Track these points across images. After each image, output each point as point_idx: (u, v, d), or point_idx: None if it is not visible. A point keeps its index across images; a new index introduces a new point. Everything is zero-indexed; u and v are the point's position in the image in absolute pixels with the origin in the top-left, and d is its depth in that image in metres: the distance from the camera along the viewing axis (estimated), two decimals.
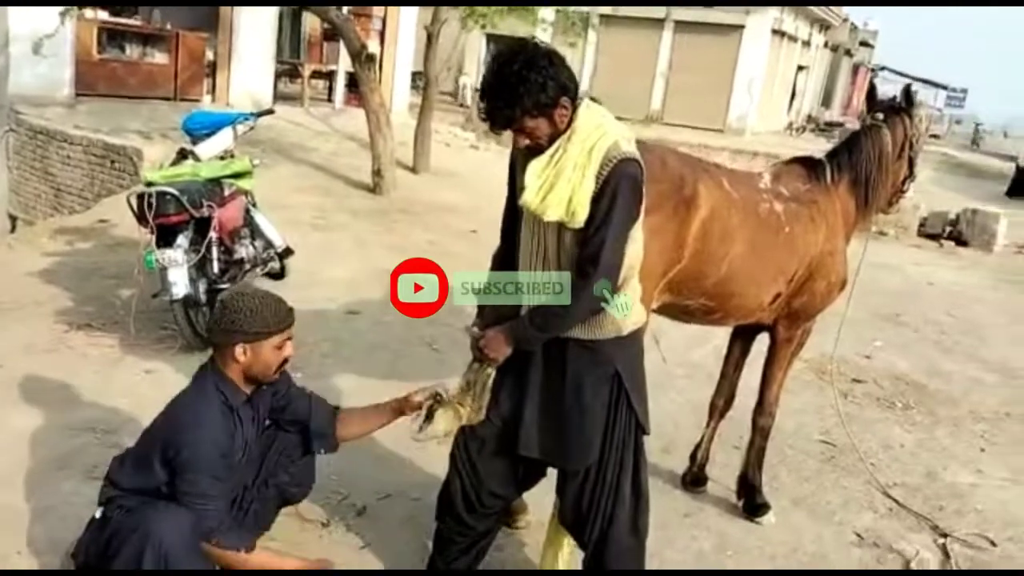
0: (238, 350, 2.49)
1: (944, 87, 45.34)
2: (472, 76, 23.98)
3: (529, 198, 2.30)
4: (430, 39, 11.02)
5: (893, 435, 4.89)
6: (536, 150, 2.32)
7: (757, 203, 3.24)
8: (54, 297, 5.27)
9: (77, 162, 9.45)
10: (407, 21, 15.92)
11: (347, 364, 4.80)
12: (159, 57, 12.61)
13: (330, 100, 15.36)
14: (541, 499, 3.06)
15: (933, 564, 3.55)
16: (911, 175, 3.87)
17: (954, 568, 3.52)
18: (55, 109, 10.35)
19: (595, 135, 2.28)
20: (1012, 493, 4.33)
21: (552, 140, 2.30)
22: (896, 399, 5.48)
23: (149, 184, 4.48)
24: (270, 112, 6.17)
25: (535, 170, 2.31)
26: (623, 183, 2.25)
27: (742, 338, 3.82)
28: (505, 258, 2.61)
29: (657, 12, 23.40)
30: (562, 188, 2.26)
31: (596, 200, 2.26)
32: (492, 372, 2.59)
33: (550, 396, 2.52)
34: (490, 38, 23.08)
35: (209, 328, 2.59)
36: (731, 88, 23.30)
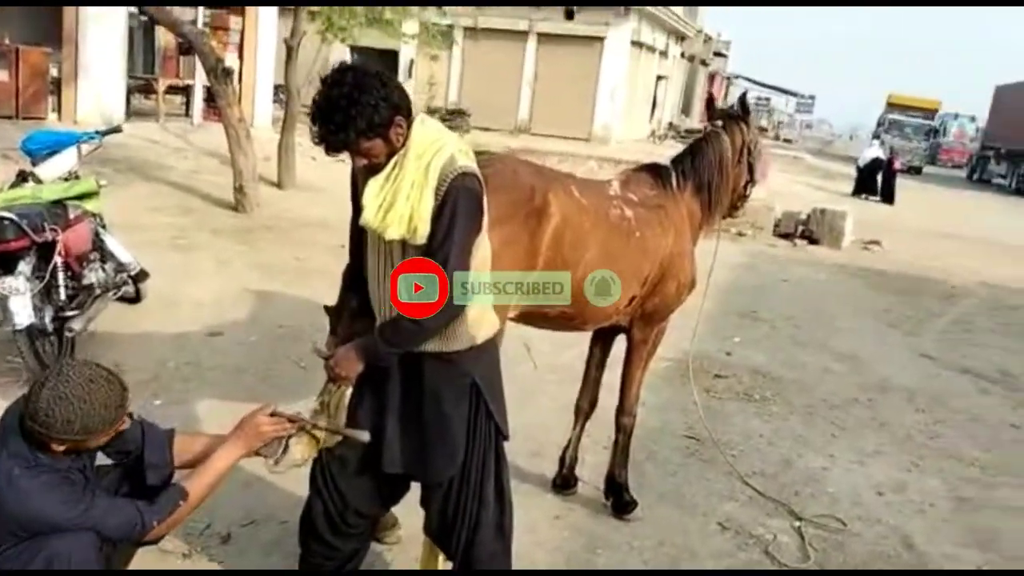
0: (55, 445, 2.20)
1: (794, 94, 48.17)
2: None
3: (369, 217, 2.29)
4: (290, 52, 10.81)
5: (752, 426, 5.14)
6: (375, 168, 2.31)
7: (607, 209, 3.34)
8: None
9: None
10: (267, 34, 15.57)
11: (209, 388, 4.63)
12: None
13: (188, 115, 14.81)
14: (412, 513, 3.04)
15: (790, 547, 3.74)
16: (751, 179, 4.08)
17: (808, 547, 3.72)
18: None
19: (431, 151, 2.29)
20: (859, 475, 4.62)
21: (390, 158, 2.30)
22: (755, 392, 5.75)
23: None
24: (117, 130, 5.87)
25: (373, 189, 2.30)
26: (462, 197, 2.27)
27: (602, 341, 3.92)
28: (355, 275, 2.60)
29: (520, 24, 23.82)
30: (401, 206, 2.26)
31: (437, 216, 2.26)
32: (347, 391, 2.56)
33: (410, 410, 2.51)
34: (354, 50, 22.83)
35: (24, 423, 2.16)
36: (595, 98, 23.94)
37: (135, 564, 2.80)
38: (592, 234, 3.20)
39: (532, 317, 3.32)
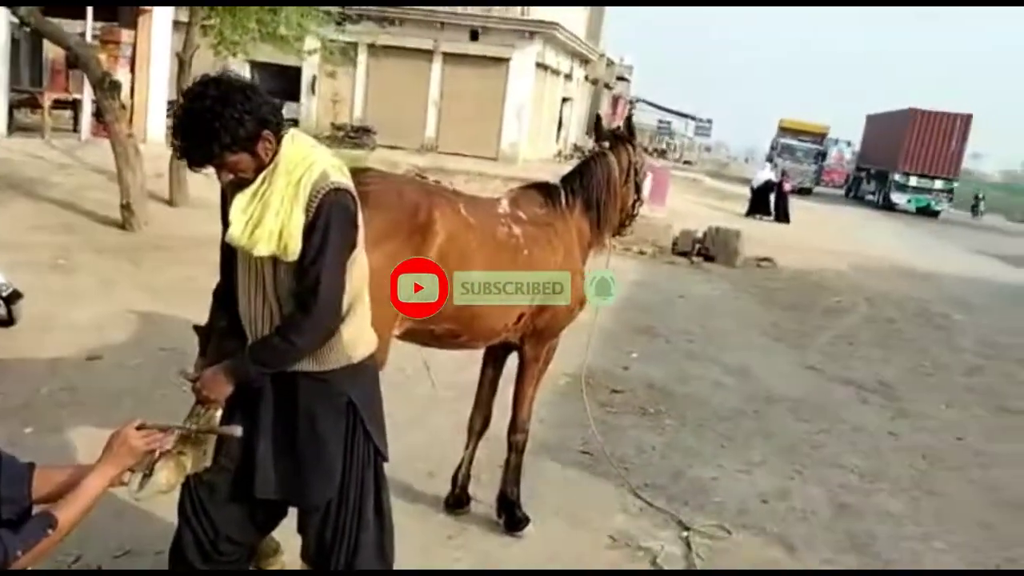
0: None
1: (693, 118, 49.70)
2: None
3: (236, 234, 2.23)
4: (182, 66, 10.51)
5: (646, 439, 5.22)
6: (243, 184, 2.25)
7: (495, 227, 3.36)
8: None
9: None
10: (160, 48, 15.11)
11: (86, 414, 4.41)
12: None
13: (76, 131, 14.22)
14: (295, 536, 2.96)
15: (678, 557, 3.81)
16: (639, 199, 4.17)
17: (695, 557, 3.79)
18: None
19: (302, 167, 2.25)
20: (746, 484, 4.76)
21: (258, 172, 2.25)
22: (649, 406, 5.86)
23: None
24: None
25: (240, 205, 2.24)
26: (335, 213, 2.23)
27: (494, 359, 3.92)
28: (225, 293, 2.52)
29: (425, 43, 23.84)
30: (270, 222, 2.21)
31: (308, 232, 2.22)
32: (217, 414, 2.47)
33: (284, 433, 2.44)
34: (254, 66, 22.38)
35: None
36: (502, 118, 24.13)
37: None
38: (478, 252, 3.21)
39: (418, 334, 3.29)
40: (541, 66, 25.11)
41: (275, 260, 2.27)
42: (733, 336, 8.37)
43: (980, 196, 19.19)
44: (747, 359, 7.45)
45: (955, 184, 32.49)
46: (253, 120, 2.17)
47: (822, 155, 39.77)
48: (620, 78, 40.38)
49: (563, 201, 3.74)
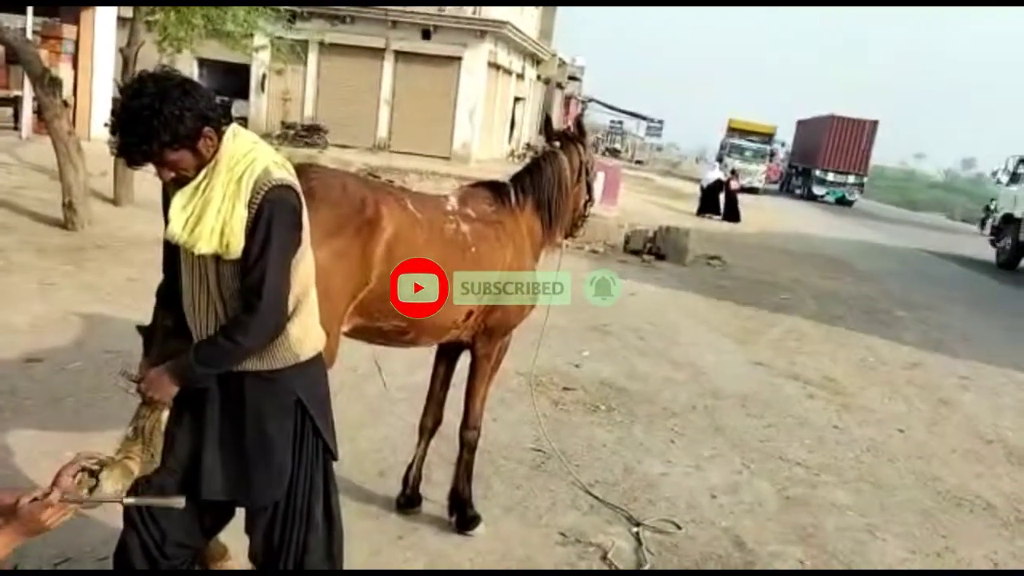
0: None
1: (644, 118, 50.19)
2: None
3: (176, 231, 2.19)
4: (127, 62, 10.29)
5: (597, 436, 5.26)
6: (183, 181, 2.21)
7: (443, 224, 3.35)
8: None
9: None
10: (104, 44, 14.80)
11: (25, 418, 4.29)
12: None
13: (16, 128, 13.83)
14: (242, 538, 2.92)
15: (627, 553, 3.84)
16: (590, 198, 4.19)
17: (645, 552, 3.83)
18: None
19: (244, 163, 2.22)
20: (696, 479, 4.82)
21: (200, 170, 2.21)
22: (600, 403, 5.90)
23: None
24: None
25: (180, 202, 2.20)
26: (278, 210, 2.21)
27: (446, 357, 3.91)
28: (169, 292, 2.47)
29: (377, 42, 23.65)
30: (211, 219, 2.17)
31: (251, 230, 2.19)
32: (164, 415, 2.43)
33: (231, 433, 2.40)
34: (202, 63, 22.03)
35: None
36: (454, 117, 24.08)
37: None
38: (426, 248, 3.19)
39: (367, 332, 3.26)
40: (493, 65, 25.13)
41: (218, 258, 2.23)
42: (683, 333, 8.47)
43: (992, 208, 19.35)
44: (697, 355, 7.54)
45: (864, 179, 38.54)
46: (193, 116, 2.13)
47: (770, 155, 40.87)
48: (572, 78, 40.61)
49: (513, 199, 3.74)
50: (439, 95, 23.83)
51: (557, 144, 4.03)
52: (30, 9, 13.59)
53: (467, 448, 3.82)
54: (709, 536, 4.12)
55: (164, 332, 2.51)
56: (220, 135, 2.23)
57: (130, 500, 2.25)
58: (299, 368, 2.41)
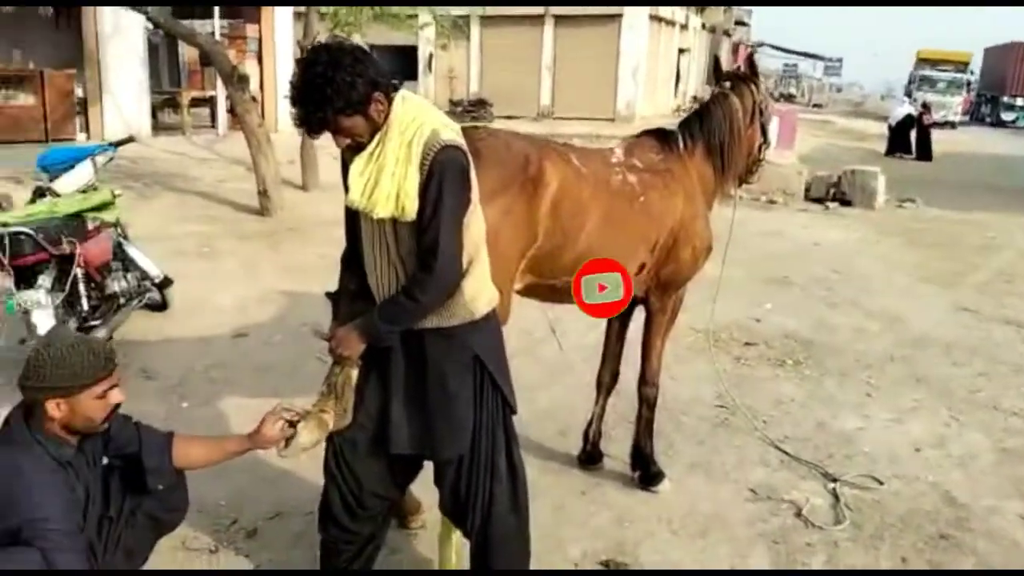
0: (50, 406, 2.25)
1: (821, 58, 47.25)
2: None
3: (355, 197, 2.28)
4: (303, 54, 10.86)
5: (784, 391, 5.04)
6: (359, 148, 2.29)
7: (608, 176, 3.28)
8: None
9: None
10: (283, 39, 15.71)
11: (235, 388, 4.67)
12: (24, 98, 12.13)
13: (214, 126, 15.00)
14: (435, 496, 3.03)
15: (824, 510, 3.66)
16: (765, 141, 3.98)
17: (843, 508, 3.64)
18: None
19: (412, 127, 2.26)
20: (896, 432, 4.52)
21: (373, 136, 2.28)
22: (786, 357, 5.65)
23: (4, 226, 4.26)
24: (130, 140, 5.94)
25: (357, 168, 2.28)
26: (448, 170, 2.24)
27: (620, 313, 3.86)
28: (352, 257, 2.58)
29: (535, 8, 23.64)
30: (386, 184, 2.24)
31: (423, 191, 2.24)
32: (354, 372, 2.55)
33: (415, 389, 2.49)
34: (371, 47, 22.84)
35: (19, 384, 2.28)
36: (616, 77, 23.71)
37: (160, 563, 2.83)
38: (592, 202, 3.15)
39: (539, 290, 3.27)
40: (655, 18, 24.47)
41: (395, 221, 2.30)
42: (876, 280, 7.94)
43: None
44: (892, 303, 7.05)
45: None
46: (364, 82, 2.20)
47: (967, 85, 37.66)
48: (739, 23, 38.82)
49: (681, 146, 3.61)
50: (600, 56, 23.52)
51: (727, 85, 3.85)
52: (216, 11, 14.64)
53: (646, 404, 3.77)
54: (914, 491, 3.86)
55: (349, 295, 2.62)
56: (390, 100, 2.28)
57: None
58: (475, 325, 2.46)
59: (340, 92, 2.17)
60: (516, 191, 2.94)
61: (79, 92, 12.85)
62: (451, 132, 2.31)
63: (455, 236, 2.31)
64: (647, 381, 3.74)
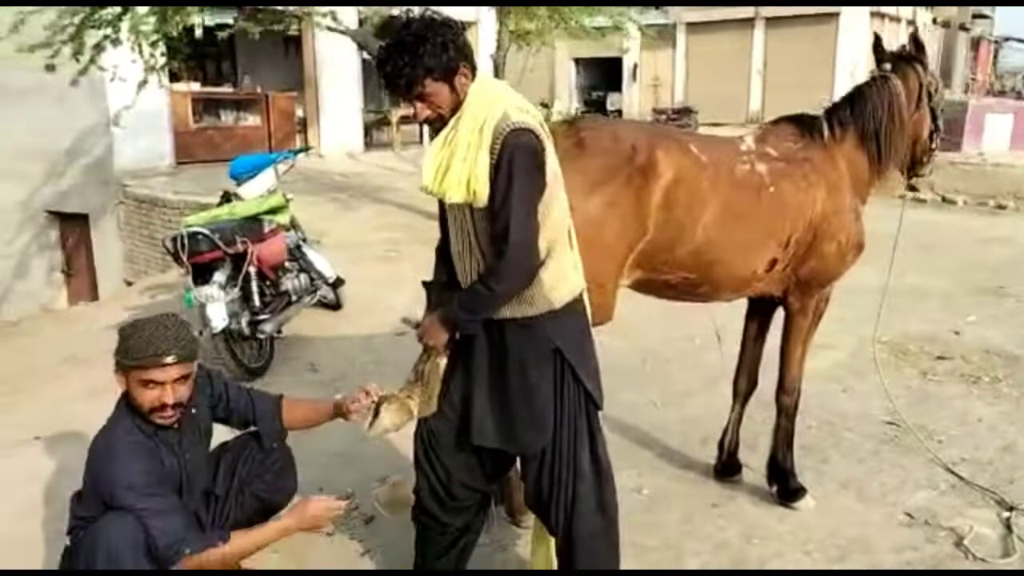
0: (117, 376, 2.41)
1: None
2: (564, 102, 24.12)
3: (427, 182, 2.28)
4: (496, 68, 11.18)
5: (972, 410, 4.49)
6: (438, 123, 2.29)
7: (733, 165, 3.07)
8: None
9: (177, 225, 10.11)
10: (484, 54, 16.23)
11: (387, 381, 4.80)
12: (251, 120, 13.41)
13: (420, 142, 15.81)
14: None
15: (991, 540, 3.20)
16: (936, 128, 3.58)
17: (1016, 540, 3.16)
18: (158, 179, 11.16)
19: (484, 112, 2.23)
20: None
21: (453, 112, 2.27)
22: (983, 373, 5.03)
23: (187, 227, 4.72)
24: (307, 149, 6.42)
25: (431, 153, 2.28)
26: (517, 154, 2.18)
27: (758, 314, 3.61)
28: (444, 247, 2.58)
29: (746, 12, 22.86)
30: (457, 169, 2.22)
31: (494, 176, 2.20)
32: (441, 362, 2.56)
33: (496, 380, 2.44)
34: (577, 61, 23.22)
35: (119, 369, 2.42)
36: (833, 78, 22.30)
37: (277, 543, 2.97)
38: (712, 193, 2.95)
39: (652, 285, 3.11)
40: (876, 15, 22.85)
41: (472, 208, 2.28)
42: None
43: None
44: None
45: None
46: (455, 48, 2.21)
47: None
48: (978, 16, 35.28)
49: (825, 133, 3.32)
50: (815, 57, 22.27)
51: (887, 67, 3.50)
52: None
53: (784, 414, 3.48)
54: None
55: (440, 285, 2.63)
56: (473, 78, 2.27)
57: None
58: (554, 315, 2.38)
59: (432, 53, 2.18)
60: (622, 182, 2.82)
61: (299, 112, 14.03)
62: (523, 114, 2.25)
63: (528, 222, 2.24)
64: (785, 389, 3.46)
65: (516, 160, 2.19)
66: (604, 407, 2.52)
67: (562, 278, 2.39)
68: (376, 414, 2.58)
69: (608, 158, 2.83)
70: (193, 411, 2.60)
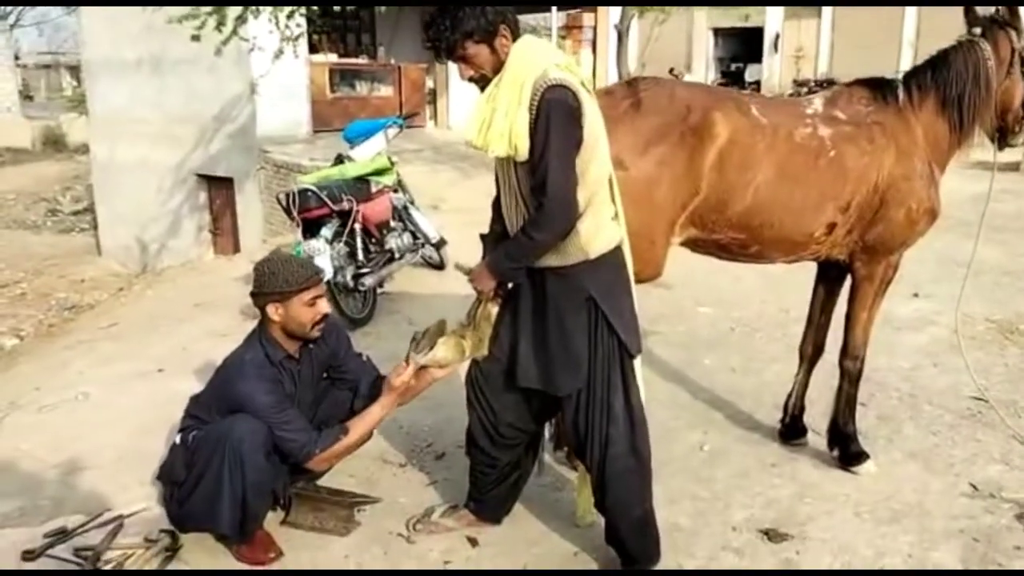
0: (270, 309, 2.80)
1: None
2: (698, 72, 23.62)
3: (471, 135, 2.46)
4: (620, 38, 11.20)
5: None
6: (482, 82, 2.46)
7: (794, 128, 3.09)
8: (244, 295, 6.14)
9: None
10: (609, 23, 16.18)
11: None
12: (384, 90, 13.94)
13: None
14: None
15: None
16: None
17: None
18: (295, 146, 11.84)
19: (525, 70, 2.37)
20: None
21: (496, 72, 2.44)
22: None
23: (301, 185, 5.13)
24: (415, 114, 6.71)
25: (476, 107, 2.45)
26: (553, 110, 2.32)
27: (826, 280, 3.62)
28: (497, 200, 2.76)
29: None
30: (499, 123, 2.38)
31: (533, 130, 2.35)
32: (492, 308, 2.76)
33: (538, 326, 2.63)
34: (716, 31, 22.68)
35: (250, 293, 2.86)
36: None
37: (351, 468, 3.27)
38: (767, 155, 3.00)
39: (703, 244, 3.19)
40: None
41: (515, 161, 2.47)
42: None
43: None
44: None
45: None
46: (493, 11, 2.38)
47: None
48: None
49: (900, 97, 3.28)
50: None
51: (977, 31, 3.41)
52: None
53: (847, 378, 3.49)
54: None
55: (494, 236, 2.83)
56: (514, 39, 2.44)
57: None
58: (589, 265, 2.53)
59: (472, 15, 2.37)
60: (675, 141, 2.92)
61: (430, 84, 14.47)
62: (562, 72, 2.38)
63: (565, 175, 2.39)
64: (848, 354, 3.46)
65: (552, 115, 2.35)
66: (642, 352, 2.67)
67: (599, 230, 2.53)
68: (431, 346, 2.81)
69: (662, 117, 2.93)
70: (312, 347, 2.96)
